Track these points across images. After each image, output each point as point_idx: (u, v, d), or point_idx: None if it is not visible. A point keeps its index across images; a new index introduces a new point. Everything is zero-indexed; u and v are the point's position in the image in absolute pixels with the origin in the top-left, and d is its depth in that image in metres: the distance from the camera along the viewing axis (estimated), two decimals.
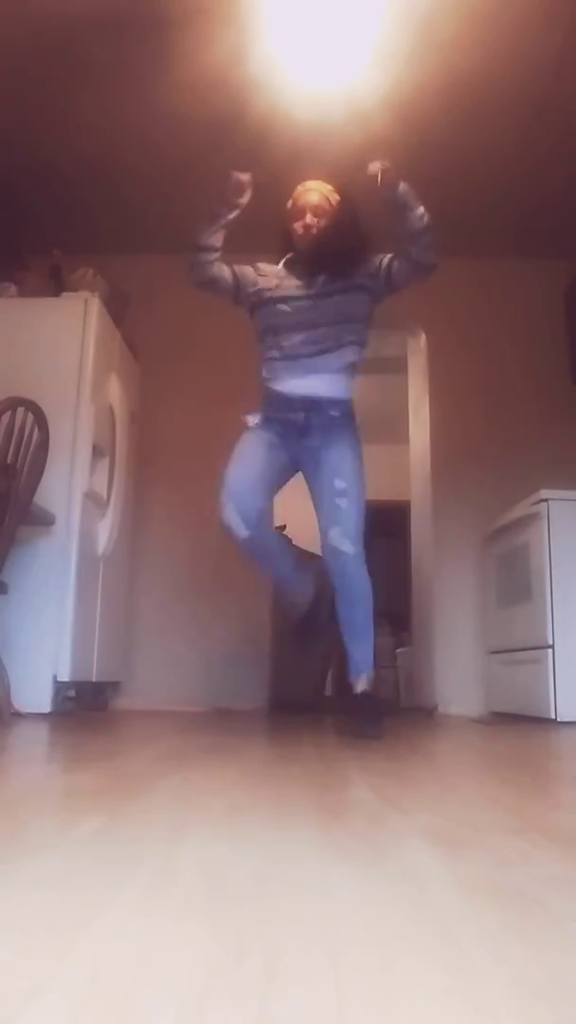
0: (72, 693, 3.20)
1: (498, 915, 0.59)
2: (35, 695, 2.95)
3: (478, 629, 3.95)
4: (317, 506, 2.44)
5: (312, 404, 2.42)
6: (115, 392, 3.60)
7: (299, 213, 2.45)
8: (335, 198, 2.48)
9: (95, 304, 3.39)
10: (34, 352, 3.29)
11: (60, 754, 1.83)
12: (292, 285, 2.48)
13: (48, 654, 3.01)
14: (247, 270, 2.54)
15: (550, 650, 3.08)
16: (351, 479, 2.39)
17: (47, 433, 2.67)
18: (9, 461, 2.49)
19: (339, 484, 2.38)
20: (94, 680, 3.37)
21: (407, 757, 1.84)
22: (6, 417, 2.50)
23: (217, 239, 2.47)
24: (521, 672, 3.38)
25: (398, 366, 4.88)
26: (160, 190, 3.85)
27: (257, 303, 2.52)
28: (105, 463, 3.49)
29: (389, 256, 2.45)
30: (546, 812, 1.07)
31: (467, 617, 4.01)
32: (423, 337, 4.39)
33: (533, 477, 3.65)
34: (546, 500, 3.21)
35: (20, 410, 2.56)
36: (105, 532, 3.49)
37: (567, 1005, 0.43)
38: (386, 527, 6.58)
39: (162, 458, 4.16)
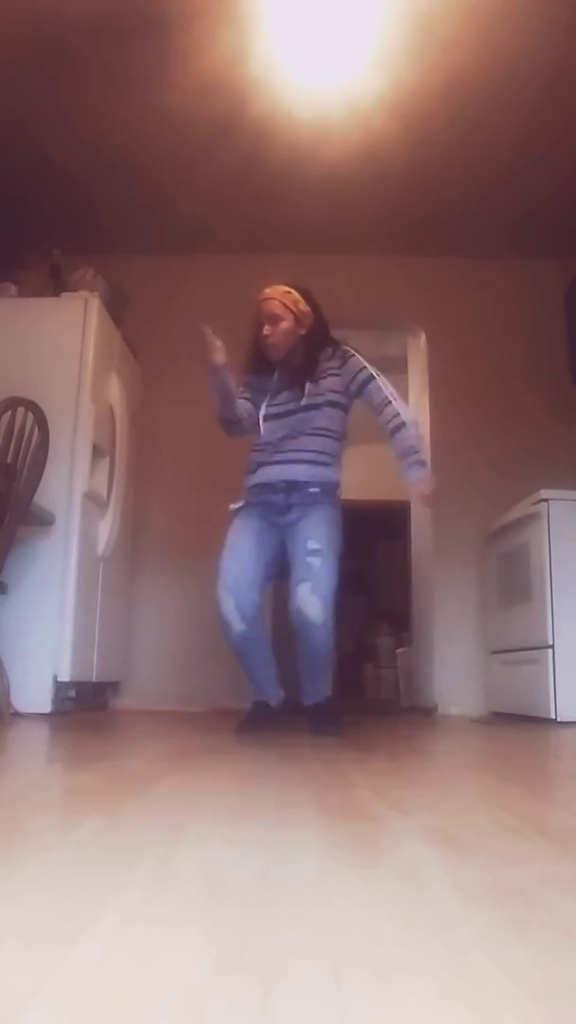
0: (72, 693, 3.20)
1: (498, 915, 0.59)
2: (35, 695, 2.94)
3: (478, 629, 3.95)
4: (291, 572, 2.42)
5: (291, 485, 2.49)
6: (115, 392, 3.60)
7: (259, 326, 2.56)
8: (292, 299, 2.55)
9: (95, 304, 3.38)
10: (34, 352, 3.29)
11: (60, 754, 1.82)
12: (278, 398, 2.59)
13: (48, 654, 3.01)
14: (249, 407, 2.65)
15: (550, 650, 3.08)
16: (325, 542, 2.40)
17: (47, 433, 2.67)
18: (9, 461, 2.49)
19: (312, 544, 2.38)
20: (94, 680, 3.37)
21: (407, 757, 1.83)
22: (6, 417, 2.50)
23: (231, 409, 2.57)
24: (521, 672, 3.38)
25: (398, 366, 4.87)
26: (160, 190, 3.84)
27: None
28: (105, 463, 3.49)
29: (365, 374, 2.59)
30: (546, 812, 1.07)
31: (467, 617, 4.00)
32: (423, 337, 4.39)
33: (533, 477, 3.64)
34: (546, 500, 3.21)
35: (20, 410, 2.55)
36: (105, 532, 3.49)
37: (567, 1005, 0.43)
38: (386, 527, 6.59)
39: (162, 458, 4.16)
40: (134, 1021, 0.40)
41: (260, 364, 2.61)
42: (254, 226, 4.12)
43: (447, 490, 4.18)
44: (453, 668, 3.96)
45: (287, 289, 2.56)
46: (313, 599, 2.29)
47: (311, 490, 2.48)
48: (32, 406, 2.59)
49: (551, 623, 3.08)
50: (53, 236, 3.84)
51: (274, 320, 2.52)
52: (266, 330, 2.52)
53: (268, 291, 2.57)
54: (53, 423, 2.73)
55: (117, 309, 3.70)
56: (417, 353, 4.53)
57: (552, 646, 3.08)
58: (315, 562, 2.34)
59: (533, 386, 4.21)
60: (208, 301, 4.36)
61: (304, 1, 2.77)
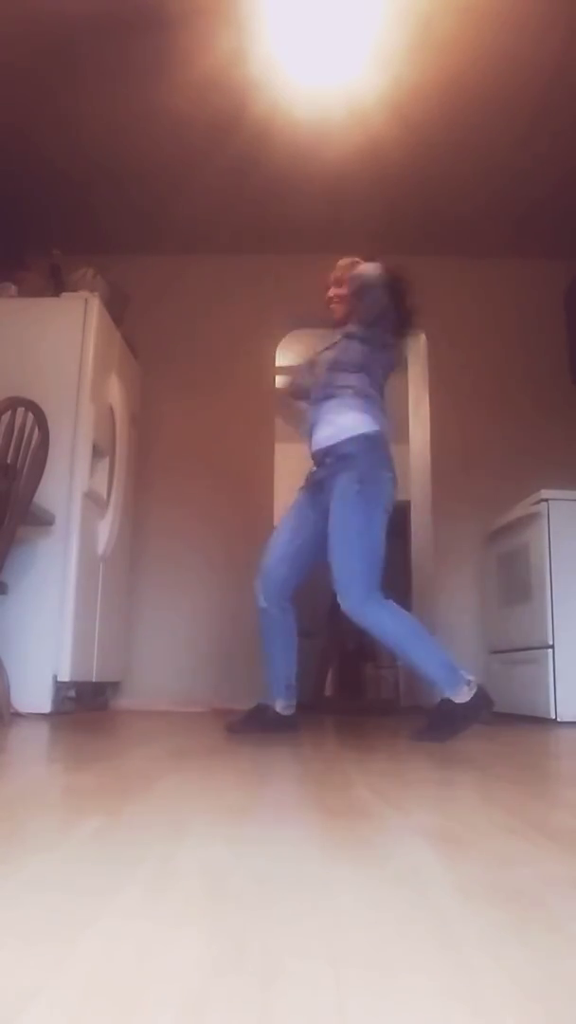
0: (72, 693, 3.20)
1: (498, 915, 0.59)
2: (35, 695, 2.94)
3: (478, 629, 3.95)
4: None
5: (324, 453, 2.47)
6: (115, 392, 3.60)
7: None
8: (347, 272, 2.61)
9: (95, 304, 3.38)
10: (34, 352, 3.29)
11: (60, 754, 1.82)
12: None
13: (48, 654, 3.01)
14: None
15: (550, 650, 3.08)
16: (338, 531, 2.34)
17: (47, 433, 2.66)
18: (9, 461, 2.49)
19: (329, 541, 2.35)
20: (94, 680, 3.37)
21: (407, 757, 1.83)
22: (6, 417, 2.50)
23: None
24: (521, 672, 3.38)
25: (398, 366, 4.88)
26: (160, 190, 3.85)
27: None
28: (105, 463, 3.49)
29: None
30: (546, 812, 1.07)
31: (467, 617, 4.00)
32: (423, 337, 4.39)
33: (533, 477, 3.64)
34: (546, 500, 3.21)
35: (20, 410, 2.55)
36: (105, 532, 3.49)
37: (566, 1005, 0.43)
38: (387, 527, 6.60)
39: (162, 458, 4.16)
40: (134, 1021, 0.40)
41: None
42: (254, 226, 4.12)
43: (447, 490, 4.18)
44: None
45: (354, 261, 2.63)
46: (341, 598, 2.31)
47: (327, 460, 2.46)
48: (32, 406, 2.59)
49: (551, 623, 3.09)
50: (53, 236, 3.84)
51: (337, 283, 2.65)
52: (331, 292, 2.65)
53: (340, 261, 2.68)
54: (53, 423, 2.73)
55: (117, 309, 3.70)
56: (417, 353, 4.53)
57: (552, 646, 3.08)
58: (331, 559, 2.33)
59: (533, 386, 4.21)
60: (208, 301, 4.37)
61: (304, 1, 2.78)
